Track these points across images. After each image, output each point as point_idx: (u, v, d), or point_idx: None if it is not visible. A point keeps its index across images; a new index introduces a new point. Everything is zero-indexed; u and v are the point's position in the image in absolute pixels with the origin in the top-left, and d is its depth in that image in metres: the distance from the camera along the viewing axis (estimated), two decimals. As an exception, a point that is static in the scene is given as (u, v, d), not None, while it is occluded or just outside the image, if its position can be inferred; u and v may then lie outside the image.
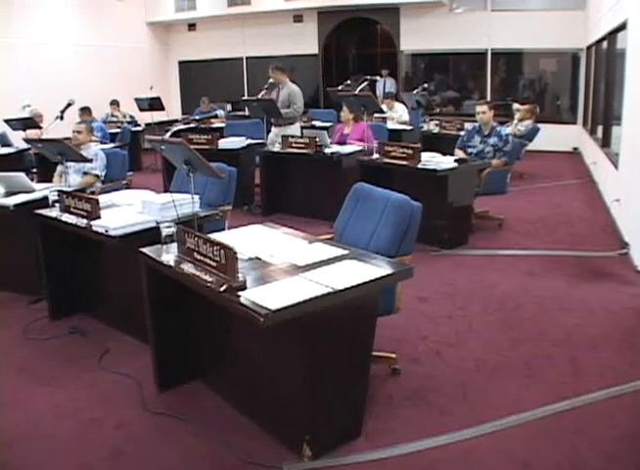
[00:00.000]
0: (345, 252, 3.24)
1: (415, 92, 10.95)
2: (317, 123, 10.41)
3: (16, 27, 12.10)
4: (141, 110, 12.31)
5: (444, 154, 6.47)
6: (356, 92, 7.56)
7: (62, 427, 3.30)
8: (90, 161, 5.64)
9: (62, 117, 6.32)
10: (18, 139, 8.85)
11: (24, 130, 9.05)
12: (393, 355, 3.72)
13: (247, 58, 15.14)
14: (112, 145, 9.07)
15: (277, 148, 7.48)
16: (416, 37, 13.22)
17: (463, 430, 3.13)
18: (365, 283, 2.80)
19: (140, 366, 3.78)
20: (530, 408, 3.30)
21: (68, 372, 3.89)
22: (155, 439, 3.17)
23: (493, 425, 3.17)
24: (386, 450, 2.99)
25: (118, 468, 2.95)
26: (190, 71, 15.99)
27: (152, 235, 3.54)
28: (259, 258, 3.16)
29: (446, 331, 4.33)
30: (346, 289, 2.73)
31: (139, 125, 11.95)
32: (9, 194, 5.11)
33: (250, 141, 8.02)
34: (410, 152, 6.13)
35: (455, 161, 6.17)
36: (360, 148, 7.17)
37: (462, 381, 3.63)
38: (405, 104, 10.90)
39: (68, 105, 6.49)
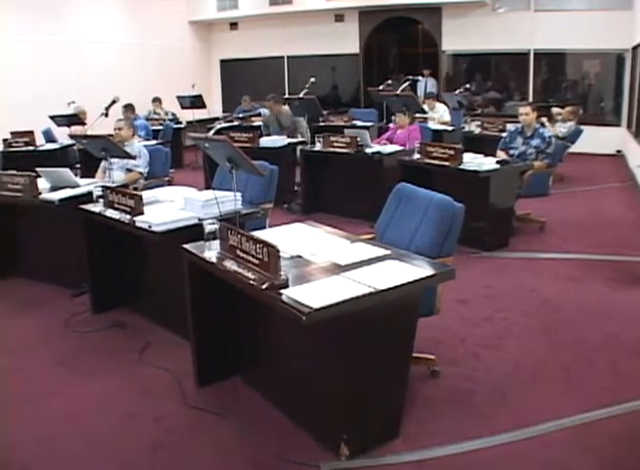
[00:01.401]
0: (387, 252, 3.23)
1: (457, 92, 10.90)
2: (358, 123, 10.39)
3: (61, 26, 12.34)
4: (183, 107, 12.41)
5: (486, 155, 6.42)
6: (398, 92, 7.54)
7: (101, 419, 3.35)
8: (134, 157, 5.70)
9: (106, 115, 6.41)
10: (62, 135, 9.01)
11: (69, 126, 9.19)
12: (432, 357, 3.70)
13: (288, 57, 15.17)
14: (154, 142, 9.18)
15: (318, 147, 7.50)
16: (458, 37, 13.09)
17: (502, 434, 3.10)
18: (407, 284, 2.79)
19: (180, 361, 3.81)
20: (570, 415, 3.25)
21: (108, 365, 3.95)
22: (193, 433, 3.20)
23: (532, 430, 3.13)
24: (423, 452, 2.98)
25: (157, 461, 3.00)
26: (231, 70, 16.07)
27: (194, 232, 3.57)
28: (301, 257, 3.17)
29: (485, 334, 4.29)
30: (388, 289, 2.72)
31: (180, 123, 12.08)
32: (54, 189, 5.21)
33: (290, 140, 8.06)
34: (452, 152, 6.09)
35: (497, 162, 6.11)
36: (401, 148, 7.15)
37: (501, 384, 3.60)
38: (446, 104, 10.84)
39: (113, 102, 6.61)
